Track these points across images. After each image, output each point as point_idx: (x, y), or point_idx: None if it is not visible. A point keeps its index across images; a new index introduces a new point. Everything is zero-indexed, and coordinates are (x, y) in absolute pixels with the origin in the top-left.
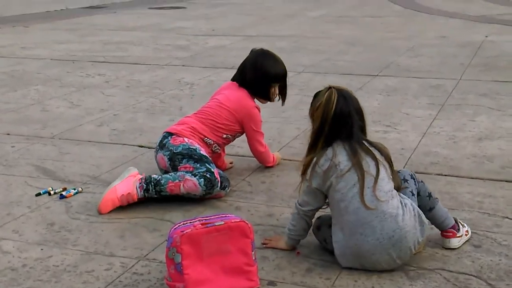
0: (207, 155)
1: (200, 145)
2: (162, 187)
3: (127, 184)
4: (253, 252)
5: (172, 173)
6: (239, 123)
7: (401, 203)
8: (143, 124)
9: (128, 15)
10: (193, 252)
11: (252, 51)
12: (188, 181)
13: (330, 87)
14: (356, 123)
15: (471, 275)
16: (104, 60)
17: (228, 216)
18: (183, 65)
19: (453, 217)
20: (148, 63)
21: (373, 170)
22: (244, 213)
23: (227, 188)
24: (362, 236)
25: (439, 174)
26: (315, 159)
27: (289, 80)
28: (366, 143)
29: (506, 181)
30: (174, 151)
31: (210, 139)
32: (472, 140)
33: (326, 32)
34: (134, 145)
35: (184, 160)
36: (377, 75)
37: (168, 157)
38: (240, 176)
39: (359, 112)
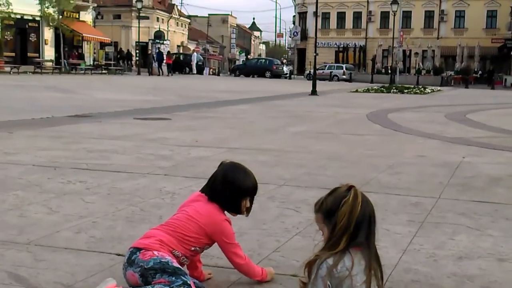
0: (180, 266)
1: (170, 256)
2: None
3: None
4: None
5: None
6: (209, 237)
7: None
8: (122, 232)
9: (113, 124)
10: None
11: (221, 164)
12: None
13: (351, 186)
14: (373, 231)
15: None
16: (87, 167)
17: None
18: (165, 174)
19: None
20: (130, 171)
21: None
22: None
23: None
24: None
25: None
26: (331, 260)
27: (270, 192)
28: (377, 259)
29: None
30: (145, 267)
31: (178, 252)
32: (452, 259)
33: (306, 147)
34: (111, 253)
35: (158, 275)
36: None
37: (140, 273)
38: None
39: (375, 218)
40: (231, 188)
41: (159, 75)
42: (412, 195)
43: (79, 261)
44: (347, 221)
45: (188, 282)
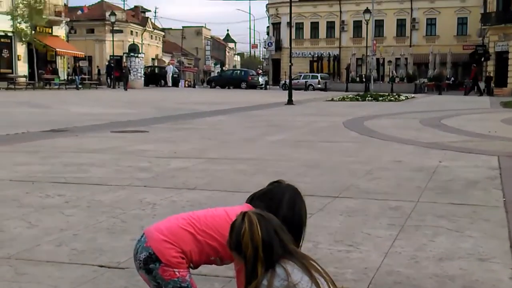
0: None
1: (189, 278)
2: None
3: None
4: None
5: None
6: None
7: None
8: (104, 243)
9: (89, 138)
10: None
11: (285, 186)
12: None
13: (243, 213)
14: (286, 239)
15: None
16: (65, 181)
17: None
18: (145, 186)
19: None
20: (109, 183)
21: (327, 285)
22: None
23: None
24: None
25: None
26: (265, 281)
27: None
28: (311, 260)
29: None
30: (164, 287)
31: (195, 265)
32: (433, 260)
33: (285, 155)
34: (94, 265)
35: None
36: (337, 197)
37: (155, 286)
38: None
39: (282, 228)
40: (295, 217)
41: (109, 86)
42: (392, 199)
43: (62, 274)
44: (252, 250)
45: None
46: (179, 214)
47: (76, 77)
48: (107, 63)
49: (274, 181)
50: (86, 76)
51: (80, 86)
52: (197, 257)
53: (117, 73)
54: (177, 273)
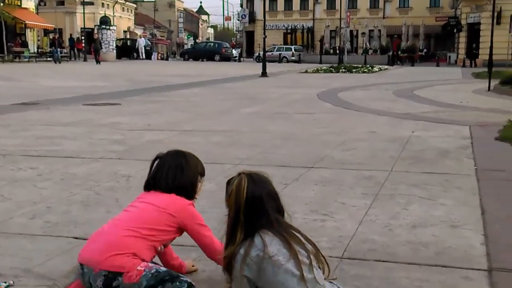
0: (166, 267)
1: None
2: None
3: None
4: None
5: None
6: (180, 226)
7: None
8: (78, 216)
9: (61, 111)
10: None
11: (162, 156)
12: None
13: (240, 173)
14: (271, 208)
15: None
16: (37, 154)
17: None
18: (119, 158)
19: None
20: (82, 156)
21: (306, 259)
22: None
23: None
24: None
25: (377, 260)
26: (242, 250)
27: (227, 172)
28: (293, 231)
29: (442, 266)
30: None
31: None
32: (407, 227)
33: (260, 127)
34: (69, 237)
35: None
36: (312, 167)
37: None
38: None
39: (273, 195)
40: (188, 175)
41: (71, 59)
42: (365, 169)
43: (36, 246)
44: (235, 211)
45: (189, 281)
46: (106, 224)
47: (56, 50)
48: (69, 37)
49: (155, 158)
50: (65, 50)
51: (59, 59)
52: (147, 253)
53: (80, 45)
54: (140, 268)
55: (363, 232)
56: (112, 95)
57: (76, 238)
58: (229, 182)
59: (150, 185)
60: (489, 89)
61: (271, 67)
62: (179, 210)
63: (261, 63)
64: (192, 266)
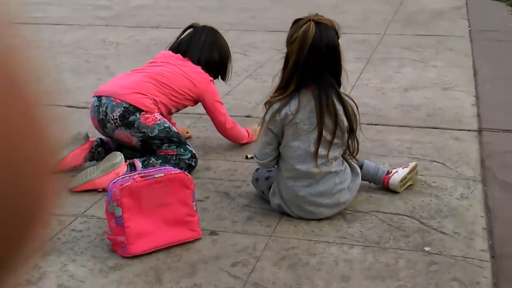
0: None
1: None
2: None
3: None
4: (194, 203)
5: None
6: (197, 96)
7: (342, 163)
8: (70, 84)
9: None
10: (134, 205)
11: (199, 27)
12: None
13: (310, 19)
14: (328, 65)
15: (404, 215)
16: (22, 21)
17: (168, 168)
18: (107, 25)
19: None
20: (69, 23)
21: (330, 136)
22: None
23: None
24: (303, 188)
25: (369, 124)
26: (277, 105)
27: None
28: (334, 97)
29: (433, 127)
30: (150, 135)
31: (161, 114)
32: (399, 90)
33: None
34: (61, 105)
35: (165, 145)
36: None
37: (141, 139)
38: None
39: (336, 53)
40: (220, 54)
41: None
42: (358, 33)
43: None
44: (295, 60)
45: (194, 152)
46: (129, 71)
47: None
48: None
49: (189, 26)
50: None
51: None
52: (163, 108)
53: None
54: (157, 116)
55: (356, 96)
56: None
57: (70, 106)
58: (296, 22)
59: (180, 50)
60: None
61: None
62: (202, 82)
63: None
64: (187, 132)
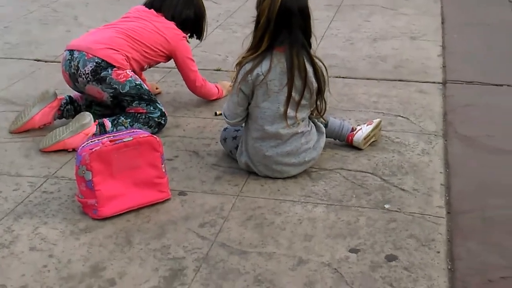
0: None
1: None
2: None
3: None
4: (162, 165)
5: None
6: (169, 53)
7: (308, 124)
8: (39, 36)
9: None
10: (103, 169)
11: None
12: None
13: None
14: (299, 26)
15: (367, 172)
16: None
17: (137, 131)
18: None
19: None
20: None
21: (298, 96)
22: None
23: None
24: (270, 148)
25: (337, 77)
26: (249, 65)
27: None
28: (305, 58)
29: (399, 80)
30: (121, 91)
31: (134, 70)
32: (368, 41)
33: None
34: (30, 59)
35: (135, 103)
36: None
37: (111, 95)
38: None
39: (306, 15)
40: (196, 11)
41: None
42: None
43: None
44: (266, 19)
45: (163, 110)
46: (102, 26)
47: None
48: None
49: None
50: None
51: None
52: (135, 65)
53: None
54: (129, 73)
55: (325, 47)
56: None
57: (38, 60)
58: None
59: (154, 5)
60: None
61: None
62: (175, 39)
63: None
64: (156, 88)
